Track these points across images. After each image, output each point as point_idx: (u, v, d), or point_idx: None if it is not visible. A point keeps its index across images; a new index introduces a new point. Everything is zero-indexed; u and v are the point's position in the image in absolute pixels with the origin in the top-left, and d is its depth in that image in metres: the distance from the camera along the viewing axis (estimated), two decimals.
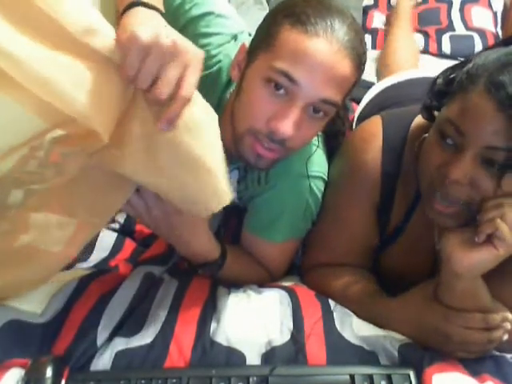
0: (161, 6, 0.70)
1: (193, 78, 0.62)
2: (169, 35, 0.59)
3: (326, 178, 1.02)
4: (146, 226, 0.89)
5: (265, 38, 0.85)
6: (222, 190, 0.73)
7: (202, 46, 1.00)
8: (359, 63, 0.84)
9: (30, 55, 0.56)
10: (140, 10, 0.65)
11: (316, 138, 1.01)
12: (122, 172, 0.70)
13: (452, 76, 0.81)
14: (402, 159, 0.93)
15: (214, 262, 0.95)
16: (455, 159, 0.74)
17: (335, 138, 1.07)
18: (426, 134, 0.85)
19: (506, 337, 0.79)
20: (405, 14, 2.11)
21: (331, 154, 1.07)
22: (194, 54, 0.63)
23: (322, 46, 0.79)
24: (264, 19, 0.88)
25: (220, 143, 0.72)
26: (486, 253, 0.75)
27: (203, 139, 0.69)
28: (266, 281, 1.04)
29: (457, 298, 0.80)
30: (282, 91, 0.81)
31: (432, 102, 0.85)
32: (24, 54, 0.56)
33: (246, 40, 0.99)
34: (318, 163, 1.01)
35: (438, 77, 0.86)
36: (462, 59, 0.83)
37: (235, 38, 1.05)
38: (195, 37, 1.02)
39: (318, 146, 1.01)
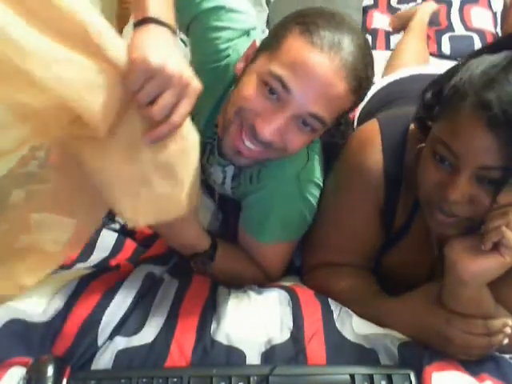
0: (172, 22, 0.74)
1: (187, 108, 0.68)
2: (176, 64, 0.65)
3: (321, 184, 1.02)
4: None
5: (273, 39, 0.85)
6: (179, 201, 0.76)
7: (211, 40, 1.01)
8: (358, 87, 0.83)
9: (50, 54, 0.59)
10: (152, 27, 0.71)
11: (314, 145, 1.01)
12: (94, 165, 0.72)
13: (439, 89, 0.81)
14: (404, 161, 0.93)
15: (204, 253, 0.95)
16: (452, 180, 0.75)
17: (333, 149, 1.06)
18: (423, 144, 0.85)
19: (506, 341, 0.79)
20: (422, 22, 2.09)
21: (328, 163, 1.07)
22: (193, 88, 0.68)
23: (323, 62, 0.78)
24: (279, 21, 0.88)
25: (196, 163, 0.76)
26: (492, 260, 0.75)
27: (185, 155, 0.73)
28: (261, 280, 1.04)
29: (461, 305, 0.80)
30: (274, 96, 0.81)
31: (423, 114, 0.86)
32: (45, 54, 0.58)
33: (259, 37, 1.00)
34: (313, 169, 1.01)
35: (426, 89, 0.86)
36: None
37: (247, 33, 1.04)
38: (205, 30, 1.02)
39: (315, 153, 1.02)
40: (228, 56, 1.02)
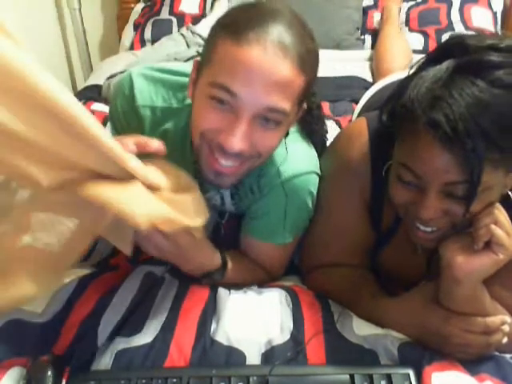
0: None
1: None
2: None
3: (319, 171, 1.02)
4: (150, 253, 0.87)
5: (207, 51, 0.83)
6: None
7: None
8: (302, 62, 0.79)
9: None
10: None
11: (291, 137, 1.00)
12: None
13: (393, 108, 0.81)
14: (390, 156, 0.94)
15: (216, 271, 0.95)
16: (420, 199, 0.76)
17: (314, 135, 1.05)
18: (390, 162, 0.86)
19: (505, 340, 0.80)
20: (391, 14, 2.13)
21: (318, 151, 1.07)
22: None
23: (256, 53, 0.76)
24: (209, 32, 0.86)
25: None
26: (486, 258, 0.76)
27: None
28: (265, 282, 1.04)
29: (457, 303, 0.80)
30: (226, 106, 0.79)
31: (384, 134, 0.86)
32: None
33: None
34: (306, 160, 1.01)
35: (381, 110, 0.86)
36: None
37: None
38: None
39: (295, 143, 1.00)
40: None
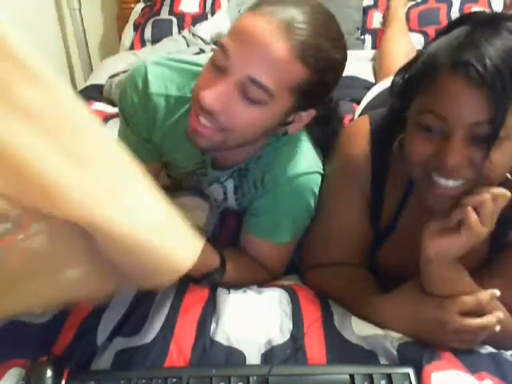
0: None
1: None
2: None
3: (322, 171, 1.02)
4: None
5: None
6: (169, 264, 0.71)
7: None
8: (303, 52, 0.79)
9: None
10: None
11: (302, 135, 1.01)
12: None
13: (408, 74, 0.83)
14: (391, 155, 0.93)
15: (216, 271, 0.95)
16: (446, 146, 0.74)
17: (327, 145, 1.05)
18: (402, 135, 0.86)
19: (498, 327, 0.80)
20: (397, 14, 2.12)
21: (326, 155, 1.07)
22: None
23: (260, 24, 0.78)
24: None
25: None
26: (451, 240, 0.77)
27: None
28: (265, 281, 1.04)
29: (434, 284, 0.82)
30: (218, 68, 0.81)
31: (396, 104, 0.86)
32: None
33: None
34: (309, 159, 1.01)
35: (395, 78, 0.87)
36: None
37: None
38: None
39: (301, 143, 1.01)
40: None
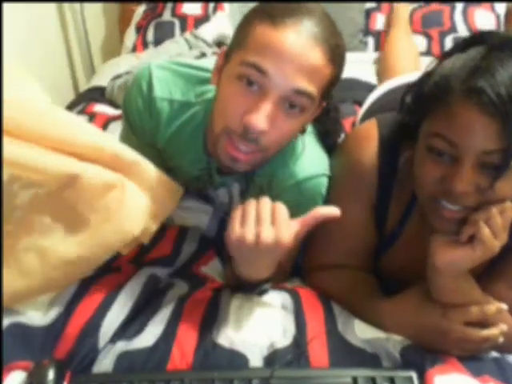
0: None
1: None
2: None
3: (328, 173, 1.01)
4: (230, 243, 0.81)
5: (237, 37, 0.85)
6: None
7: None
8: (332, 54, 0.82)
9: None
10: None
11: (310, 136, 1.01)
12: None
13: (419, 92, 0.82)
14: (398, 161, 0.93)
15: (266, 279, 0.92)
16: (455, 171, 0.74)
17: (328, 137, 1.06)
18: (410, 151, 0.86)
19: (501, 339, 0.79)
20: (401, 16, 2.12)
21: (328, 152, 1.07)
22: None
23: (290, 36, 0.78)
24: (240, 21, 0.88)
25: None
26: (463, 252, 0.77)
27: None
28: (282, 281, 1.04)
29: (442, 294, 0.81)
30: (254, 87, 0.80)
31: (407, 119, 0.86)
32: None
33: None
34: (316, 161, 1.01)
35: (404, 94, 0.87)
36: None
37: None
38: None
39: (308, 144, 1.00)
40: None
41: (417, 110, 0.82)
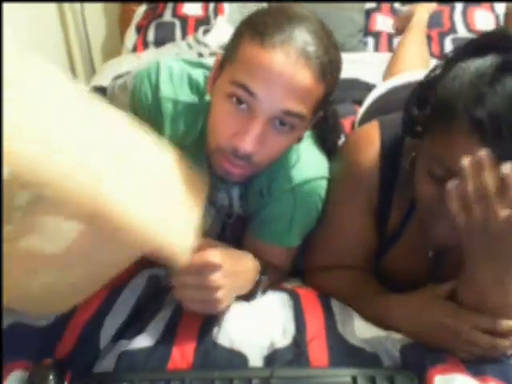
0: None
1: None
2: None
3: (328, 176, 1.01)
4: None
5: (230, 50, 0.84)
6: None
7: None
8: (323, 72, 0.80)
9: None
10: None
11: (308, 140, 1.01)
12: None
13: (423, 98, 0.80)
14: (400, 163, 0.93)
15: (262, 274, 0.93)
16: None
17: (327, 141, 1.06)
18: (414, 153, 0.86)
19: (510, 352, 0.79)
20: (420, 23, 2.08)
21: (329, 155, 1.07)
22: None
23: (279, 58, 0.77)
24: (234, 30, 0.87)
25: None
26: None
27: None
28: (281, 281, 1.05)
29: (480, 284, 0.76)
30: (243, 106, 0.80)
31: (411, 127, 0.85)
32: None
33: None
34: (315, 164, 1.01)
35: (409, 101, 0.85)
36: None
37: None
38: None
39: (305, 149, 1.00)
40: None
41: (420, 122, 0.81)
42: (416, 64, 1.79)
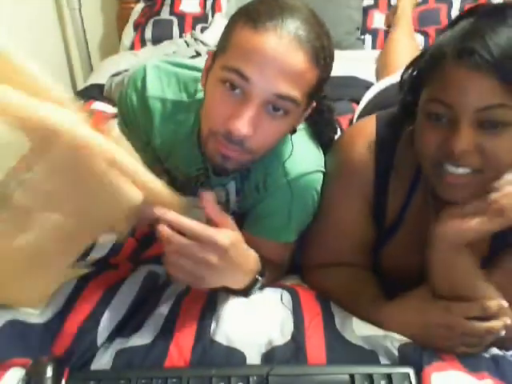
0: None
1: None
2: None
3: (323, 169, 1.01)
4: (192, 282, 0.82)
5: (223, 40, 0.85)
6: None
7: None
8: (316, 57, 0.81)
9: None
10: None
11: (303, 133, 1.01)
12: None
13: (417, 66, 0.84)
14: (395, 155, 0.94)
15: (260, 273, 0.92)
16: (454, 132, 0.75)
17: (323, 136, 1.06)
18: (410, 127, 0.87)
19: (503, 332, 0.80)
20: (405, 14, 2.11)
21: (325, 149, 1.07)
22: None
23: (271, 40, 0.78)
24: (227, 21, 0.88)
25: None
26: (468, 223, 0.78)
27: None
28: (279, 278, 1.05)
29: (436, 270, 0.83)
30: (237, 91, 0.81)
31: (406, 97, 0.87)
32: None
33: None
34: (310, 157, 1.01)
35: (403, 72, 0.89)
36: None
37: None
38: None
39: (300, 143, 1.00)
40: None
41: (415, 84, 0.83)
42: (408, 56, 1.80)
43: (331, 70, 0.88)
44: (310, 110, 0.92)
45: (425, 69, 0.80)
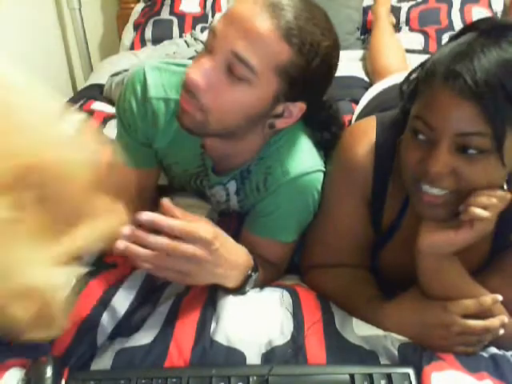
0: None
1: None
2: None
3: (324, 169, 1.01)
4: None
5: None
6: None
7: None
8: (288, 32, 0.80)
9: None
10: None
11: (302, 135, 1.01)
12: None
13: (414, 77, 0.84)
14: (394, 157, 0.94)
15: (253, 271, 0.92)
16: (432, 153, 0.75)
17: (321, 138, 1.05)
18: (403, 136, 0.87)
19: (502, 331, 0.80)
20: (379, 15, 2.14)
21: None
22: None
23: (246, 4, 0.81)
24: None
25: None
26: (444, 236, 0.80)
27: None
28: (276, 278, 1.05)
29: (425, 276, 0.84)
30: (209, 48, 0.83)
31: (406, 104, 0.86)
32: None
33: None
34: (311, 158, 1.00)
35: (403, 82, 0.89)
36: None
37: None
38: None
39: (298, 143, 1.00)
40: None
41: (412, 92, 0.83)
42: (394, 54, 1.87)
43: (316, 62, 0.85)
44: (297, 112, 0.91)
45: (418, 83, 0.81)
